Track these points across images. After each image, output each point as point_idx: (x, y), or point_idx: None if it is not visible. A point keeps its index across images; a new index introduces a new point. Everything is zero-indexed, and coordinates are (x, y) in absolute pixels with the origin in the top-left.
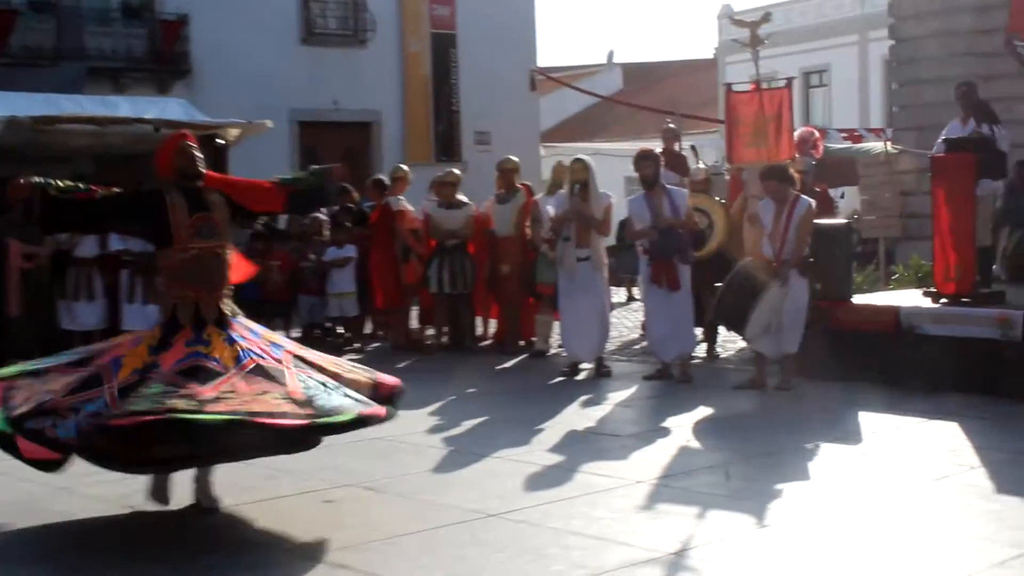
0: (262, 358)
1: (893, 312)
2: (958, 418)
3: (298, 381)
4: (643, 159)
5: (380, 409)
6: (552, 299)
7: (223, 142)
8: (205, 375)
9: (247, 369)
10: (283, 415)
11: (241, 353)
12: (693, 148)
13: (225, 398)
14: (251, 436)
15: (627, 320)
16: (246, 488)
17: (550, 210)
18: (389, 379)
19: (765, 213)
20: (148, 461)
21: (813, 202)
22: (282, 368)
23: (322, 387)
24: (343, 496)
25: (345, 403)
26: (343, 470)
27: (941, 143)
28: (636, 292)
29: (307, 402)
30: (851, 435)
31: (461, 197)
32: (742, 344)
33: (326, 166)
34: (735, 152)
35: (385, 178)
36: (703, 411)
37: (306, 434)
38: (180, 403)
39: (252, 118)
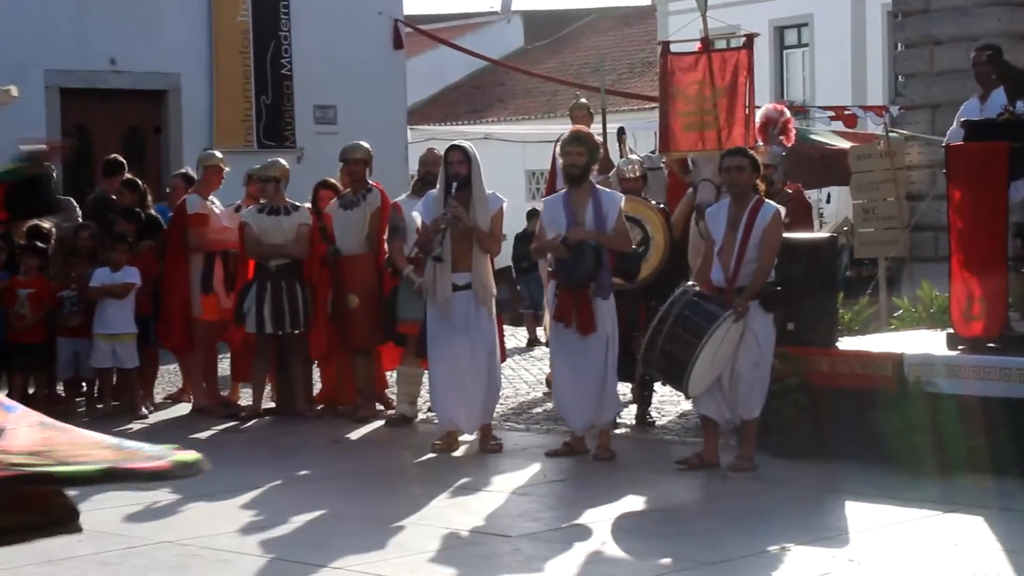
0: None
1: (894, 362)
2: (980, 510)
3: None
4: (574, 142)
5: (158, 461)
6: (419, 343)
7: None
8: None
9: None
10: None
11: None
12: (622, 133)
13: None
14: None
15: (527, 372)
16: None
17: (417, 217)
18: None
19: (714, 221)
20: None
21: (782, 209)
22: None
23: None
24: None
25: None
26: None
27: (958, 127)
28: (542, 333)
29: (36, 453)
30: (834, 534)
31: (292, 200)
32: (687, 405)
33: (36, 146)
34: (672, 136)
35: (192, 171)
36: (630, 501)
37: (19, 484)
38: None
39: None
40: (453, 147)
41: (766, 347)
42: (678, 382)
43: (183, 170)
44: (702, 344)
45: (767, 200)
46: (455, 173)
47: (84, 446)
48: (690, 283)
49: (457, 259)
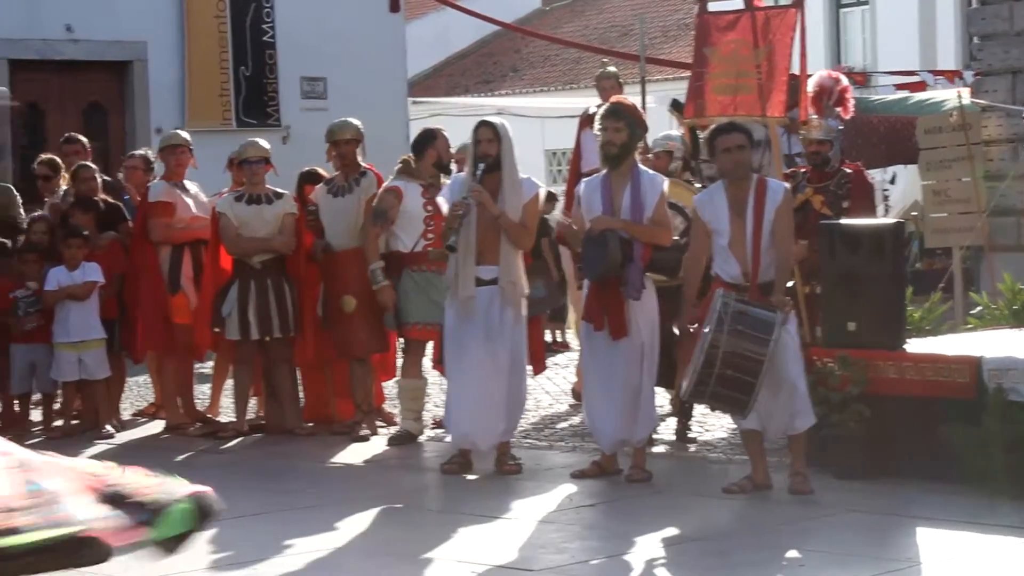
0: None
1: (971, 366)
2: None
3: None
4: (611, 116)
5: (128, 532)
6: (439, 349)
7: None
8: None
9: None
10: None
11: None
12: (676, 105)
13: None
14: None
15: (550, 382)
16: None
17: (442, 203)
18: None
19: (710, 210)
20: None
21: (787, 185)
22: None
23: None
24: None
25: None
26: None
27: None
28: (570, 336)
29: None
30: (903, 566)
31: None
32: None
33: None
34: (701, 101)
35: (152, 153)
36: (669, 529)
37: None
38: None
39: None
40: (483, 123)
41: (793, 350)
42: (741, 407)
43: (140, 151)
44: (768, 359)
45: (769, 179)
46: (483, 153)
47: (70, 490)
48: (722, 291)
49: (483, 249)
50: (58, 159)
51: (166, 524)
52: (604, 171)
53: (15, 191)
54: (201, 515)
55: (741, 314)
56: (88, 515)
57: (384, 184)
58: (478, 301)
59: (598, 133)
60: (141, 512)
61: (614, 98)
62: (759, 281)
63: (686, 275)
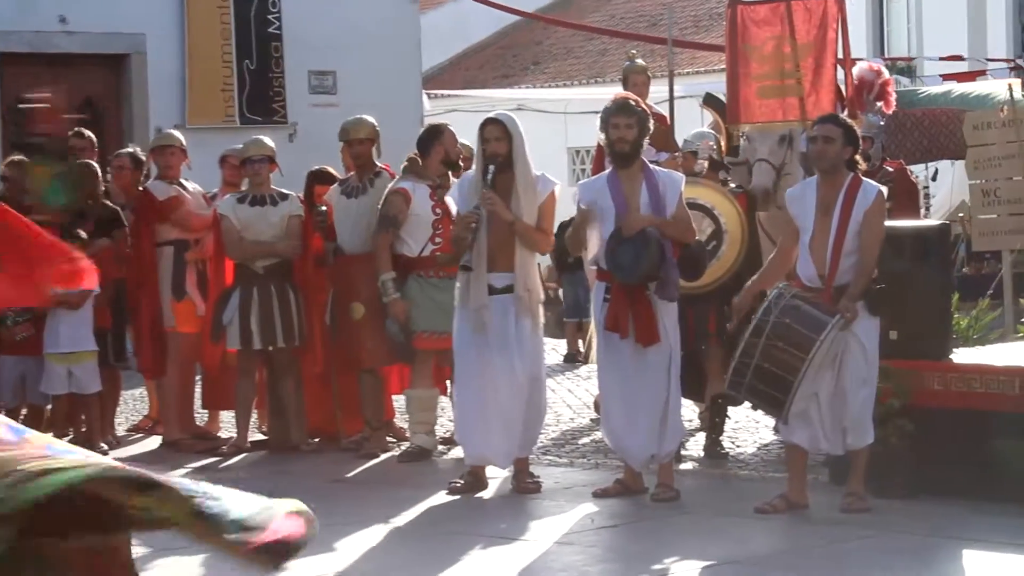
0: None
1: (1022, 377)
2: None
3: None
4: (620, 112)
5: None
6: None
7: None
8: None
9: None
10: None
11: None
12: (711, 100)
13: None
14: None
15: (571, 394)
16: None
17: (451, 205)
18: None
19: (799, 205)
20: None
21: (884, 189)
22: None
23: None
24: None
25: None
26: None
27: None
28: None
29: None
30: None
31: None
32: (767, 434)
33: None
34: (745, 104)
35: (140, 151)
36: (699, 552)
37: None
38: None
39: None
40: (489, 120)
41: (873, 359)
42: (778, 407)
43: (129, 148)
44: (809, 359)
45: (867, 180)
46: (492, 153)
47: None
48: (784, 283)
49: (496, 255)
50: (27, 158)
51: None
52: (608, 170)
53: None
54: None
55: (793, 308)
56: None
57: (389, 186)
58: (492, 311)
59: (603, 131)
60: None
61: (621, 94)
62: (835, 284)
63: (767, 272)
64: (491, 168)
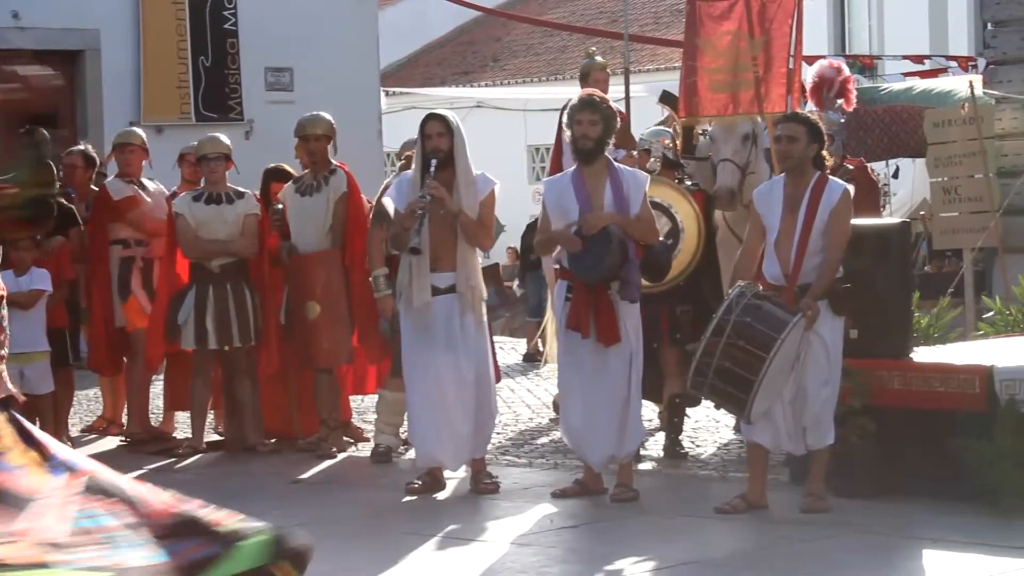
0: None
1: (982, 376)
2: None
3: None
4: (586, 108)
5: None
6: (396, 360)
7: None
8: None
9: None
10: None
11: None
12: (667, 98)
13: None
14: None
15: (529, 394)
16: None
17: (389, 205)
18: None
19: (766, 203)
20: None
21: (851, 188)
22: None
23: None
24: None
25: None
26: None
27: None
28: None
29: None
30: None
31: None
32: (727, 433)
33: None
34: (696, 98)
35: (91, 149)
36: (658, 553)
37: None
38: None
39: None
40: (431, 116)
41: (836, 359)
42: (740, 406)
43: (80, 146)
44: (770, 358)
45: (832, 178)
46: (434, 148)
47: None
48: (744, 282)
49: (437, 255)
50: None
51: (234, 559)
52: (572, 168)
53: None
54: (279, 550)
55: (755, 307)
56: (137, 562)
57: (386, 182)
58: (435, 311)
59: (569, 128)
60: (211, 545)
61: (586, 90)
62: (798, 283)
63: (736, 270)
64: (433, 162)
